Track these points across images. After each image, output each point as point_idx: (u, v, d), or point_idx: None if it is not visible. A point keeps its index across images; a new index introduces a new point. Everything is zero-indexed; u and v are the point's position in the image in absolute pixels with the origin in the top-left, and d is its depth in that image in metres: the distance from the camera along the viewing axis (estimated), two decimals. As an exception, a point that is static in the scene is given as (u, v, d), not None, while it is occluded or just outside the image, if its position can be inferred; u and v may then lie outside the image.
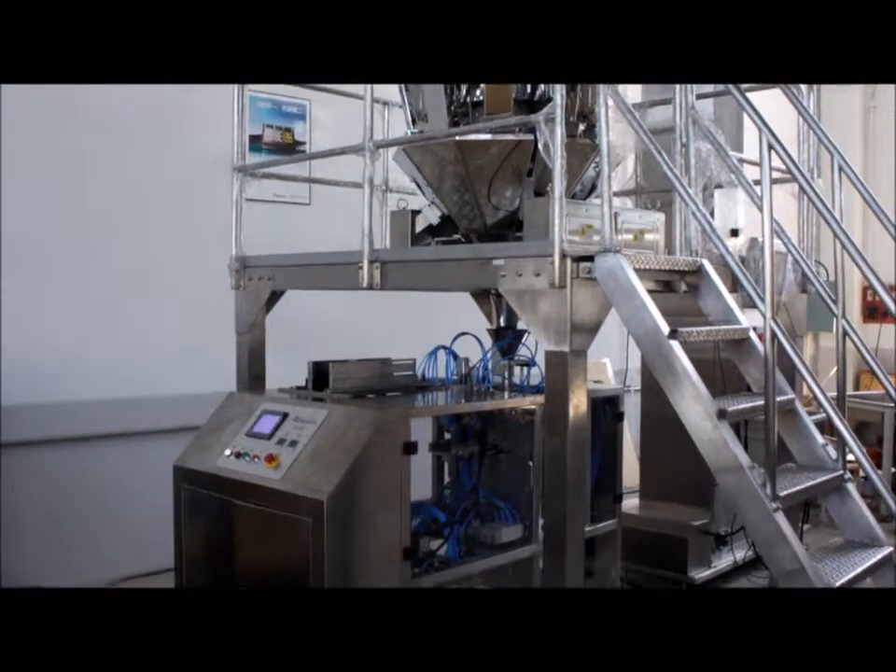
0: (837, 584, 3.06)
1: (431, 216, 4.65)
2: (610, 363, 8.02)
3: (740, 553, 5.83)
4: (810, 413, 3.73)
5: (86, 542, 5.74)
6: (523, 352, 4.78)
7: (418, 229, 4.71)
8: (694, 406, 3.17)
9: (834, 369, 3.84)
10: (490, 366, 4.63)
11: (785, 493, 3.17)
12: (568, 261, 3.37)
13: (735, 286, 3.94)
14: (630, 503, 5.95)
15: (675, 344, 3.23)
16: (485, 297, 5.41)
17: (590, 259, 3.37)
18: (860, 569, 3.25)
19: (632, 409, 6.37)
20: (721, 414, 3.14)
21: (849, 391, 6.83)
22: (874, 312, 10.39)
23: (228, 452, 4.04)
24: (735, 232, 4.52)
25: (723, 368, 4.92)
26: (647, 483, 6.27)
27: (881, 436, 7.44)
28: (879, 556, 3.41)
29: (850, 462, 3.65)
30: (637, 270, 3.36)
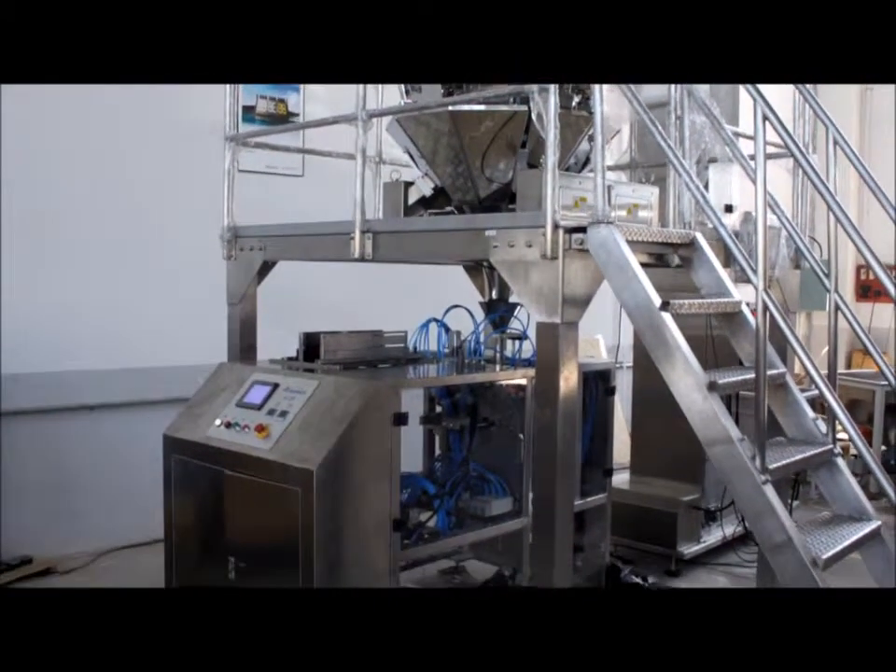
0: (825, 557, 3.06)
1: (424, 187, 4.62)
2: (603, 339, 8.02)
3: (729, 529, 5.87)
4: (802, 391, 3.73)
5: (79, 512, 5.75)
6: (514, 325, 4.77)
7: (411, 200, 4.68)
8: (685, 378, 3.16)
9: (826, 348, 3.83)
10: (482, 339, 4.63)
11: (774, 465, 3.16)
12: (561, 232, 3.35)
13: (727, 261, 3.93)
14: (620, 478, 5.97)
15: (666, 316, 3.22)
16: (477, 270, 5.40)
17: (582, 230, 3.35)
18: (848, 542, 3.26)
19: (624, 385, 6.37)
20: (712, 386, 3.13)
21: (841, 370, 6.85)
22: (867, 291, 10.39)
23: (218, 422, 4.03)
24: (729, 208, 4.50)
25: (714, 346, 4.91)
26: (637, 458, 6.30)
27: (872, 413, 7.47)
28: (868, 530, 3.42)
29: (841, 440, 3.66)
30: (629, 242, 3.34)
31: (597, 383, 4.92)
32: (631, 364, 6.55)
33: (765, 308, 3.18)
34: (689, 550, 5.65)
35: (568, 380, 3.43)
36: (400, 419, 3.76)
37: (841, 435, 3.63)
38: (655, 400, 6.01)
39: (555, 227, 3.34)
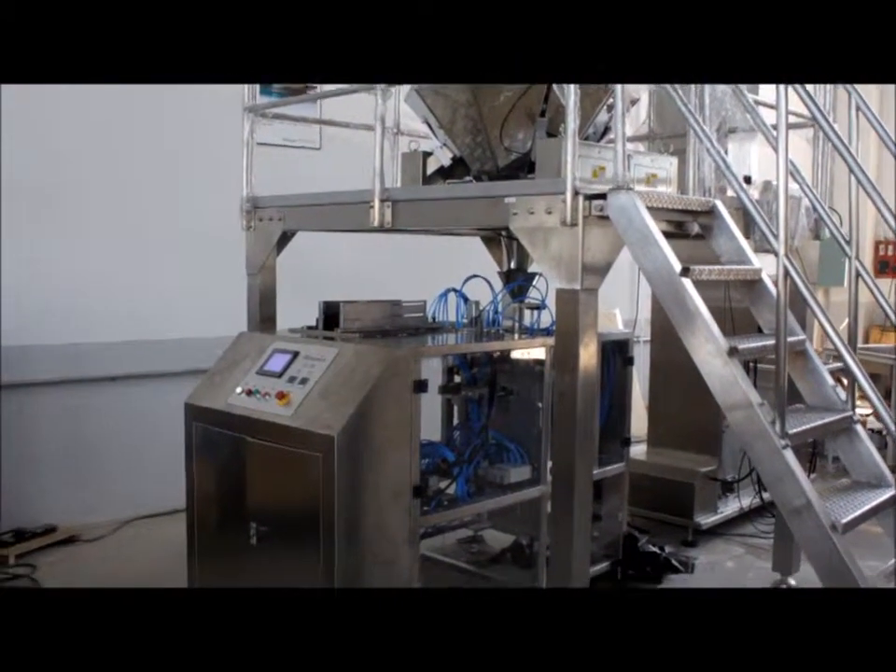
0: (844, 521, 3.07)
1: (443, 157, 4.61)
2: (620, 313, 8.01)
3: (746, 500, 5.88)
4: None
5: (103, 481, 5.84)
6: (533, 295, 4.77)
7: (429, 171, 4.68)
8: (705, 344, 3.17)
9: (845, 321, 3.83)
10: (500, 308, 4.63)
11: (794, 431, 3.17)
12: (580, 199, 3.35)
13: (747, 231, 3.93)
14: (638, 450, 5.99)
15: (687, 282, 3.22)
16: (495, 241, 5.40)
17: (602, 196, 3.35)
18: (866, 507, 3.27)
19: (641, 360, 6.38)
20: (732, 352, 3.14)
21: (859, 344, 6.83)
22: (885, 267, 10.35)
23: (239, 389, 4.06)
24: (748, 180, 4.48)
25: (734, 318, 4.90)
26: (655, 431, 6.32)
27: (889, 388, 7.45)
28: (886, 496, 3.43)
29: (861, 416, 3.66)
30: (649, 209, 3.34)
31: (615, 353, 4.93)
32: (648, 338, 6.56)
33: (786, 273, 3.17)
34: (706, 520, 5.68)
35: (588, 346, 3.44)
36: (420, 386, 3.78)
37: (860, 411, 3.64)
38: (672, 373, 6.06)
39: (575, 193, 3.34)
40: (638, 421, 6.22)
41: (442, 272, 4.91)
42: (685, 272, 3.20)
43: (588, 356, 3.45)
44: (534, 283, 4.77)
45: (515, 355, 4.56)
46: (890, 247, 10.47)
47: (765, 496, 5.84)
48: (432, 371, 4.51)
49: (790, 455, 3.08)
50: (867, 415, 6.82)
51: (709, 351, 3.16)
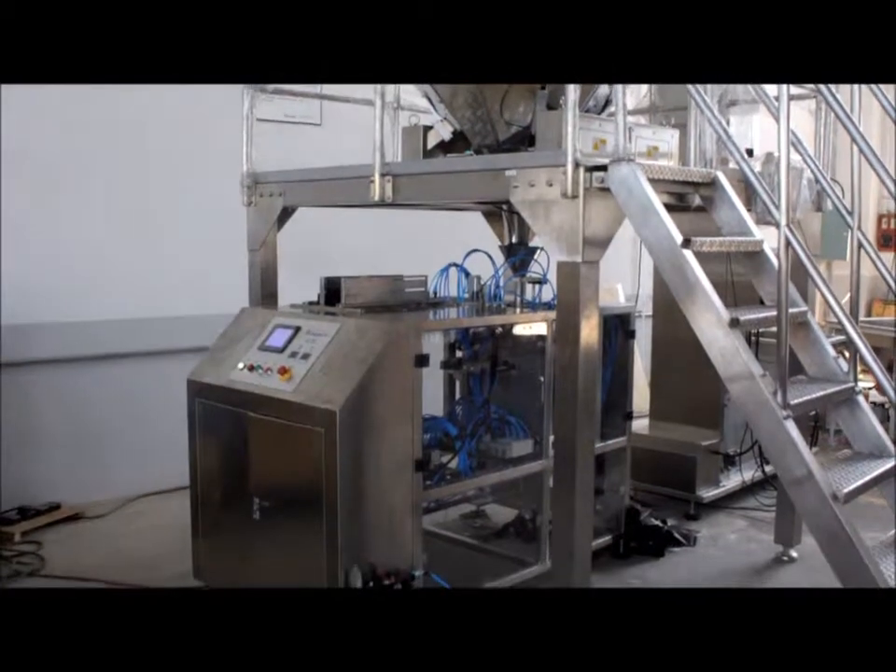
0: (845, 491, 3.08)
1: (443, 132, 4.59)
2: (622, 289, 8.00)
3: (748, 474, 5.90)
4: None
5: (106, 459, 5.86)
6: (534, 269, 4.77)
7: (430, 145, 4.66)
8: (706, 314, 3.16)
9: (848, 295, 3.82)
10: (501, 283, 4.63)
11: (796, 401, 3.17)
12: (581, 171, 3.33)
13: (749, 203, 3.92)
14: (640, 424, 6.00)
15: (688, 254, 3.21)
16: (497, 216, 5.39)
17: (603, 168, 3.34)
18: (868, 478, 3.27)
19: (643, 335, 6.38)
20: (734, 323, 3.13)
21: (862, 317, 6.81)
22: (888, 240, 10.31)
23: (241, 365, 4.07)
24: (749, 153, 4.47)
25: (735, 292, 4.90)
26: (657, 405, 6.33)
27: (892, 361, 7.44)
28: (888, 466, 3.43)
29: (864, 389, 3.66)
30: (650, 180, 3.33)
31: (617, 326, 4.93)
32: (650, 313, 6.55)
33: (788, 243, 3.16)
34: (708, 494, 5.69)
35: (589, 319, 3.44)
36: (422, 360, 3.78)
37: (862, 385, 3.64)
38: (674, 347, 6.05)
39: (576, 165, 3.32)
40: (640, 396, 6.22)
41: (444, 247, 4.90)
42: (686, 243, 3.19)
43: (589, 328, 3.45)
44: (535, 257, 4.76)
45: (517, 329, 4.56)
46: (893, 221, 10.43)
47: (767, 469, 5.86)
48: (434, 346, 4.52)
49: (791, 426, 3.08)
50: (869, 389, 6.83)
51: (710, 322, 3.16)
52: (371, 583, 3.67)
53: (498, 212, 5.20)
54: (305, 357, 3.87)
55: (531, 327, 4.47)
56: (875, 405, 6.44)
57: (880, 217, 10.51)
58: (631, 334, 4.97)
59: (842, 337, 3.59)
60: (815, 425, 6.41)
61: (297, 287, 4.63)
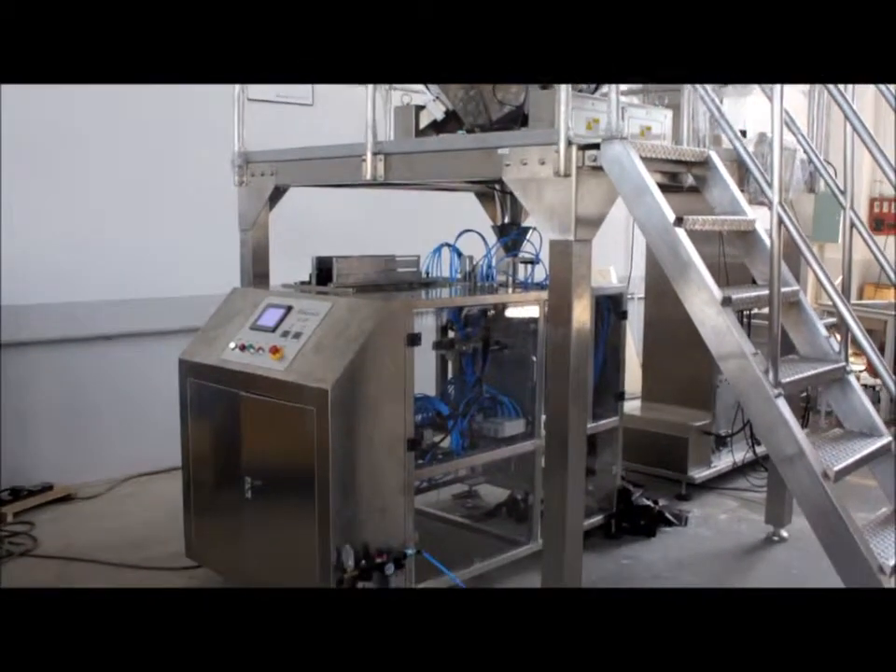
0: (836, 469, 3.09)
1: (436, 111, 4.56)
2: (614, 271, 8.00)
3: (740, 454, 5.92)
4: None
5: (99, 440, 5.87)
6: (527, 249, 4.76)
7: (422, 125, 4.63)
8: (699, 293, 3.16)
9: (840, 278, 3.82)
10: (494, 262, 4.62)
11: (787, 380, 3.18)
12: (574, 149, 3.33)
13: (741, 184, 3.91)
14: (632, 405, 6.01)
15: (680, 232, 3.21)
16: (489, 197, 5.38)
17: (596, 146, 3.33)
18: (858, 456, 3.29)
19: (635, 318, 6.38)
20: (726, 301, 3.13)
21: (854, 301, 6.82)
22: (880, 224, 10.33)
23: (232, 345, 4.06)
24: (743, 134, 4.46)
25: (727, 272, 4.90)
26: (649, 386, 6.34)
27: (884, 343, 7.48)
28: (878, 444, 3.45)
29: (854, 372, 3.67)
30: (643, 159, 3.32)
31: (609, 307, 4.93)
32: (642, 295, 6.55)
33: (780, 221, 3.16)
34: (699, 474, 5.71)
35: (581, 298, 3.44)
36: (414, 339, 3.78)
37: (853, 368, 3.65)
38: (666, 329, 6.07)
39: (569, 143, 3.32)
40: (633, 378, 6.23)
41: (436, 227, 4.89)
42: (679, 221, 3.19)
43: (582, 307, 3.44)
44: (527, 237, 4.75)
45: (509, 309, 4.56)
46: (886, 204, 10.45)
47: (758, 450, 5.89)
48: (426, 328, 4.51)
49: (782, 404, 3.09)
50: (860, 371, 6.86)
51: (703, 300, 3.16)
52: (364, 562, 3.68)
53: (491, 192, 5.19)
54: (297, 336, 3.87)
55: (523, 306, 4.47)
56: (865, 387, 6.47)
57: (872, 201, 10.54)
58: (623, 315, 4.97)
59: (833, 319, 3.60)
60: (806, 406, 6.44)
61: (288, 267, 4.63)
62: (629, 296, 5.15)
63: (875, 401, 6.67)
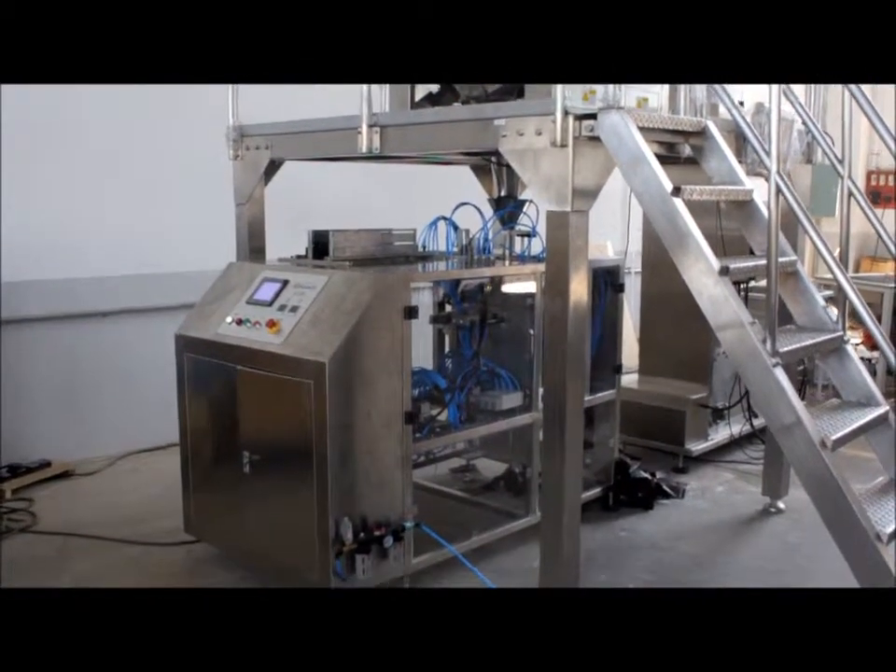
0: (833, 438, 3.09)
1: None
2: (611, 246, 7.99)
3: (737, 427, 5.93)
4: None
5: (96, 417, 5.87)
6: (524, 222, 4.75)
7: (418, 97, 4.60)
8: (696, 263, 3.15)
9: (837, 250, 3.81)
10: (490, 235, 4.60)
11: (785, 349, 3.18)
12: (571, 119, 3.30)
13: (739, 154, 3.90)
14: (629, 378, 6.02)
15: (678, 202, 3.19)
16: (486, 170, 5.35)
17: (593, 116, 3.31)
18: (856, 425, 3.29)
19: (632, 292, 6.38)
20: (724, 271, 3.13)
21: (850, 273, 6.79)
22: (877, 197, 10.31)
23: (229, 319, 4.05)
24: (740, 104, 4.44)
25: (725, 245, 4.89)
26: (646, 360, 6.35)
27: (880, 316, 7.48)
28: (876, 414, 3.45)
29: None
30: (640, 128, 3.30)
31: (606, 280, 4.92)
32: (639, 270, 6.54)
33: (778, 190, 3.15)
34: (696, 447, 5.72)
35: (578, 269, 3.42)
36: (411, 312, 3.77)
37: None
38: (663, 302, 6.06)
39: (565, 113, 3.29)
40: (629, 353, 6.23)
41: (432, 201, 4.87)
42: (676, 191, 3.18)
43: (579, 278, 3.43)
44: (524, 210, 4.73)
45: (506, 282, 4.54)
46: (883, 177, 10.43)
47: (755, 422, 5.90)
48: (423, 303, 4.50)
49: (780, 374, 3.09)
50: (857, 345, 6.86)
51: (701, 270, 3.15)
52: (362, 534, 3.69)
53: (487, 165, 5.16)
54: (294, 309, 3.86)
55: (520, 279, 4.45)
56: (861, 360, 6.47)
57: (869, 174, 10.51)
58: (620, 288, 4.96)
59: (830, 293, 3.59)
60: (803, 380, 6.45)
61: (284, 241, 4.60)
62: (626, 270, 5.13)
63: (871, 374, 6.68)
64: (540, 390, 4.29)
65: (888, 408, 3.50)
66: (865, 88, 3.42)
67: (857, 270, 9.79)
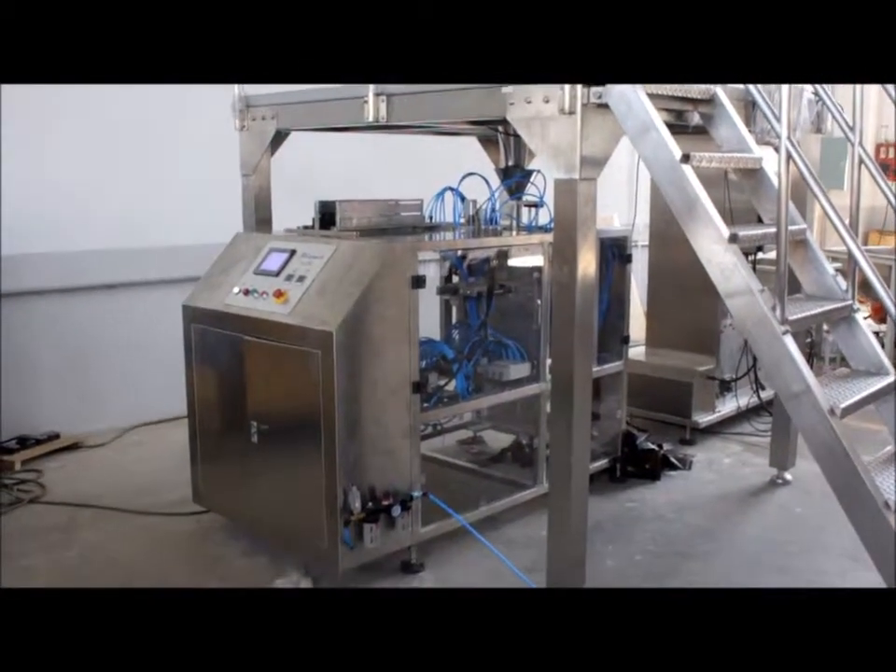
0: (842, 406, 3.08)
1: (438, 52, 4.50)
2: (618, 218, 7.95)
3: (744, 399, 5.92)
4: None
5: (104, 390, 5.89)
6: (531, 192, 4.72)
7: (424, 67, 4.57)
8: (705, 230, 3.13)
9: (847, 219, 3.78)
10: (497, 206, 4.58)
11: (794, 317, 3.16)
12: (579, 86, 3.28)
13: (748, 123, 3.86)
14: (637, 351, 6.01)
15: (687, 169, 3.17)
16: (493, 142, 5.32)
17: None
18: (865, 393, 3.28)
19: (639, 266, 6.35)
20: (733, 238, 3.10)
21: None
22: (885, 170, 10.25)
23: (236, 290, 4.05)
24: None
25: (733, 216, 4.87)
26: (653, 332, 6.34)
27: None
28: (885, 383, 3.44)
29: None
30: (649, 95, 3.27)
31: (614, 251, 4.90)
32: (646, 243, 6.51)
33: (789, 156, 3.12)
34: (704, 419, 5.73)
35: (587, 237, 3.41)
36: (418, 282, 3.76)
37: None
38: (670, 274, 6.05)
39: (574, 80, 3.27)
40: (637, 327, 6.22)
41: (439, 171, 4.85)
42: (685, 158, 3.15)
43: (587, 247, 3.41)
44: (531, 180, 4.71)
45: (513, 252, 4.53)
46: (891, 150, 10.36)
47: (763, 394, 5.89)
48: (430, 274, 4.49)
49: (789, 341, 3.07)
50: (865, 317, 6.84)
51: (710, 237, 3.13)
52: (370, 504, 3.70)
53: (494, 135, 5.13)
54: (301, 279, 3.85)
55: (528, 249, 4.44)
56: (875, 334, 6.45)
57: (878, 147, 10.45)
58: (627, 259, 4.95)
59: (839, 265, 3.57)
60: (810, 352, 6.44)
61: (291, 212, 4.59)
62: (633, 243, 5.11)
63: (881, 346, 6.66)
64: (548, 361, 4.29)
65: (896, 377, 3.48)
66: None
67: (865, 243, 9.75)
